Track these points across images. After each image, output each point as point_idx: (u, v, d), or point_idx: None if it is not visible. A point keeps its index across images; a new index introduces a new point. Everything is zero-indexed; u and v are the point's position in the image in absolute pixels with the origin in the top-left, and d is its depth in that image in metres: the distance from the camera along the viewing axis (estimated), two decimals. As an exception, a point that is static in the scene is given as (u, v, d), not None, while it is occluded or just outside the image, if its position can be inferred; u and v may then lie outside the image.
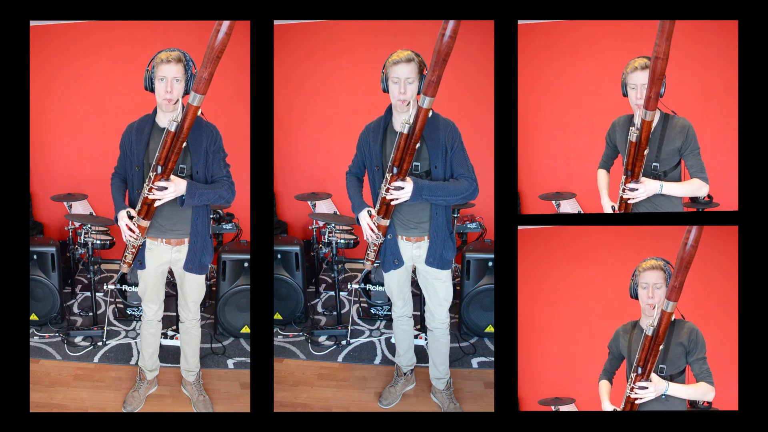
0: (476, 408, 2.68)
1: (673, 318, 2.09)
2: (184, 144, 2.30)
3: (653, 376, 2.11)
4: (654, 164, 2.27)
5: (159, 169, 2.24)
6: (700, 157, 2.26)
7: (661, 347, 2.10)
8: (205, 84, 2.12)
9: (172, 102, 2.26)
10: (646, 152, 2.20)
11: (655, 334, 2.09)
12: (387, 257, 2.45)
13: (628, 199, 2.26)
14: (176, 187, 2.26)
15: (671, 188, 2.26)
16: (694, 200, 3.16)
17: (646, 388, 2.10)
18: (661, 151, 2.26)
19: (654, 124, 2.23)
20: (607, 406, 2.29)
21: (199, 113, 2.22)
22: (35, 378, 2.82)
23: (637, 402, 2.13)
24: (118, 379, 2.87)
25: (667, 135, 2.25)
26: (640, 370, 2.11)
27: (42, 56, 3.92)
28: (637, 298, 2.21)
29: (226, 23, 2.05)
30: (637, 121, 2.18)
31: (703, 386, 2.11)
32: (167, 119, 2.26)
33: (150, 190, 2.26)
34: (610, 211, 2.41)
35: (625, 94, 2.28)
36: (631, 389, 2.13)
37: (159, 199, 2.28)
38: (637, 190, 2.23)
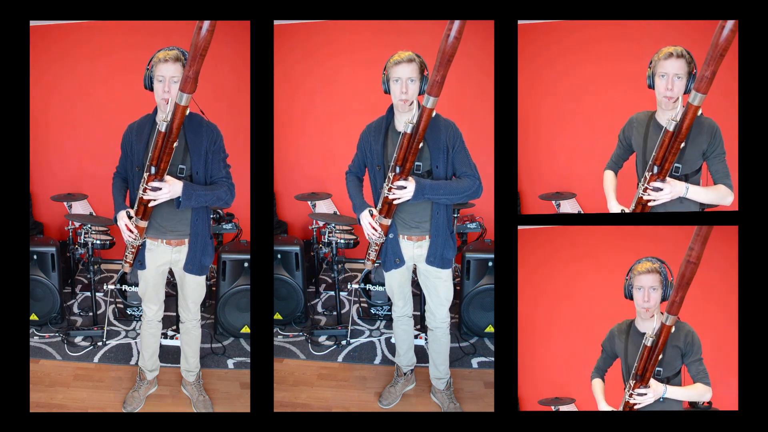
0: (476, 408, 2.68)
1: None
2: (185, 144, 2.30)
3: (651, 380, 2.09)
4: (676, 165, 2.09)
5: (152, 169, 2.24)
6: (726, 162, 2.09)
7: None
8: (191, 83, 2.10)
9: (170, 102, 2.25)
10: (682, 145, 2.00)
11: (654, 345, 2.05)
12: (388, 256, 2.45)
13: (649, 200, 2.08)
14: (171, 187, 2.25)
15: (697, 193, 2.07)
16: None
17: (645, 394, 2.08)
18: (685, 151, 2.07)
19: (677, 122, 2.01)
20: (604, 407, 2.27)
21: (199, 113, 2.21)
22: (35, 378, 2.82)
23: (635, 407, 2.12)
24: (118, 379, 2.87)
25: (693, 135, 2.07)
26: (638, 378, 2.09)
27: (42, 57, 3.92)
28: (631, 298, 2.15)
29: (207, 22, 2.03)
30: (666, 114, 2.01)
31: (700, 387, 2.10)
32: (164, 119, 2.26)
33: (144, 190, 2.26)
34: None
35: (651, 86, 2.08)
36: (630, 395, 2.10)
37: (153, 200, 2.27)
38: (662, 190, 2.04)
